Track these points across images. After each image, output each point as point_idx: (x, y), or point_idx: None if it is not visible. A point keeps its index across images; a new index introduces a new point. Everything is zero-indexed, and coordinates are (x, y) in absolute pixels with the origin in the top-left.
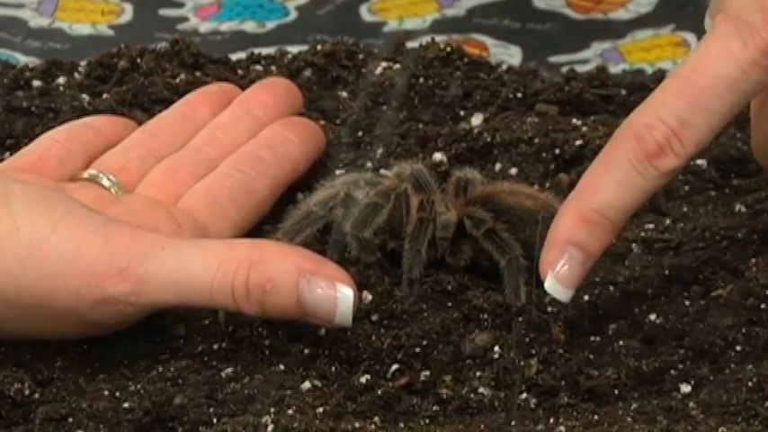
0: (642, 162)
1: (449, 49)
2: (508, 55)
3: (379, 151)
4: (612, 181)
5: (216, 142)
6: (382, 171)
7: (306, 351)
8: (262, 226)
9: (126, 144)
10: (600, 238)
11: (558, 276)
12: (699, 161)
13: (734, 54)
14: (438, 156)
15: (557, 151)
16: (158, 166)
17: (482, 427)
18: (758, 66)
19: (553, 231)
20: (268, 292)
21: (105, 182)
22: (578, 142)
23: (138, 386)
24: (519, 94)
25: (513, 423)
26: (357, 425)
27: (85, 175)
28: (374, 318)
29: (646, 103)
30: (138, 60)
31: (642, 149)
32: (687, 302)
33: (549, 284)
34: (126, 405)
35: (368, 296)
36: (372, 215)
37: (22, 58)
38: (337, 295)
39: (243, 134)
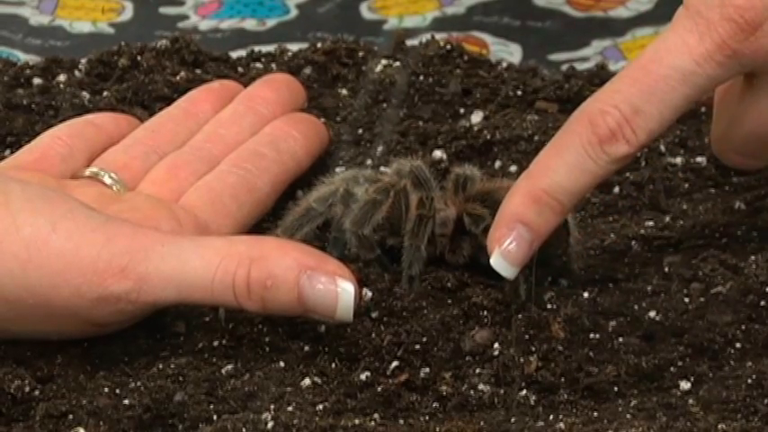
0: (594, 147)
1: (449, 46)
2: (508, 53)
3: (380, 149)
4: (564, 163)
5: (218, 139)
6: (382, 168)
7: (306, 348)
8: (262, 223)
9: (128, 141)
10: (548, 218)
11: (505, 253)
12: (699, 158)
13: (690, 48)
14: (438, 153)
15: None
16: (160, 164)
17: (482, 423)
18: (713, 60)
19: (503, 208)
20: (269, 289)
21: (107, 179)
22: None
23: (139, 383)
24: (519, 92)
25: (512, 420)
26: (357, 422)
27: (87, 172)
28: (374, 315)
29: (603, 88)
30: (139, 58)
31: (594, 134)
32: (687, 299)
33: (495, 260)
34: (126, 402)
35: (368, 293)
36: (372, 212)
37: (22, 56)
38: (338, 290)
39: (245, 131)
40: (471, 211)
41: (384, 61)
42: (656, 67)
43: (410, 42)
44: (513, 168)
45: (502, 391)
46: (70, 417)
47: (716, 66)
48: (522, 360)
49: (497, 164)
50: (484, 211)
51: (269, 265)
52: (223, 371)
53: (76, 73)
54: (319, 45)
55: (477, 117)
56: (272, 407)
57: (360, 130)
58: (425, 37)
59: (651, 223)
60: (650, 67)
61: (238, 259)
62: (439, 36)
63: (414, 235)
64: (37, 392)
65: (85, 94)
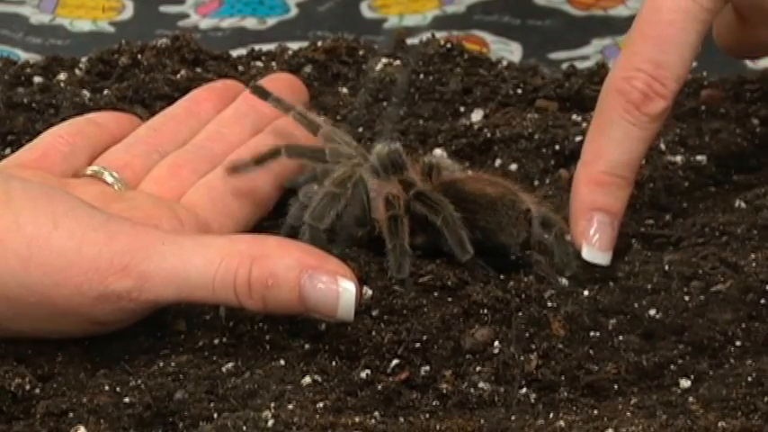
0: (633, 113)
1: (449, 45)
2: (508, 51)
3: None
4: (611, 140)
5: (220, 138)
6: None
7: (306, 346)
8: (263, 222)
9: (130, 140)
10: (618, 195)
11: (593, 243)
12: (699, 157)
13: None
14: (438, 152)
15: (557, 147)
16: (162, 163)
17: (482, 421)
18: None
19: (574, 203)
20: (270, 288)
21: (108, 178)
22: (578, 138)
23: (139, 381)
24: (519, 91)
25: (512, 418)
26: (357, 420)
27: (89, 171)
28: (374, 313)
29: (619, 58)
30: (139, 57)
31: (629, 102)
32: (687, 298)
33: (587, 253)
34: (127, 400)
35: (368, 291)
36: (330, 205)
37: (22, 55)
38: (339, 290)
39: (247, 130)
40: (404, 178)
41: (384, 60)
42: (659, 16)
43: (410, 41)
44: (513, 167)
45: (502, 390)
46: (71, 415)
47: None
48: (522, 358)
49: (497, 162)
50: (415, 178)
51: (270, 264)
52: (223, 369)
53: (77, 71)
54: (320, 44)
55: (477, 115)
56: (272, 405)
57: (360, 129)
58: (426, 36)
59: (651, 221)
60: (653, 19)
61: (239, 258)
62: (439, 35)
63: (394, 236)
64: (37, 390)
65: (86, 93)
